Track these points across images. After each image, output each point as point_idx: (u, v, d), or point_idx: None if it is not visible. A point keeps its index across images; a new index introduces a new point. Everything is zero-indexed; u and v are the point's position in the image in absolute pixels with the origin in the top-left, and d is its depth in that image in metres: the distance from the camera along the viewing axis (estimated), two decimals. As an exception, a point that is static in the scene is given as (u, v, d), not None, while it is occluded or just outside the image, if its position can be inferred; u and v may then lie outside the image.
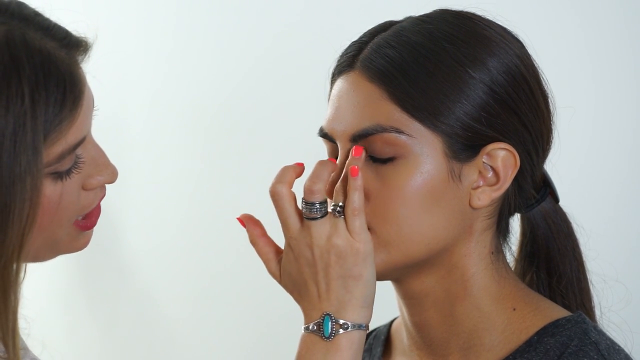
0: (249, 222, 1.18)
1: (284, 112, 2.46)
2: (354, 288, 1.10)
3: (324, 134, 1.17)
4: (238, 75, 2.54)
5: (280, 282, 1.16)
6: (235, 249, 2.54)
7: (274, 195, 1.13)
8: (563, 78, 1.77)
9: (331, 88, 1.19)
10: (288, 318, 2.35)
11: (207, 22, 2.58)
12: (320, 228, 1.11)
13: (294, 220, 1.12)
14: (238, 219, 1.18)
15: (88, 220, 1.11)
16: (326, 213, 1.11)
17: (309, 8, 2.40)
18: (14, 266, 1.02)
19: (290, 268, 1.13)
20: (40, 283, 2.49)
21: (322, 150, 1.20)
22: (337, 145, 1.16)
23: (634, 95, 1.95)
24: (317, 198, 1.10)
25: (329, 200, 1.13)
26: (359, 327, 1.10)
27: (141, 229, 2.74)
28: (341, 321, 1.10)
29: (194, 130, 2.63)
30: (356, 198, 1.10)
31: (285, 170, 1.14)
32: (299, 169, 1.15)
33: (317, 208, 1.11)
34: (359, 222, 1.10)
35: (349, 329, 1.10)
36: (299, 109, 2.40)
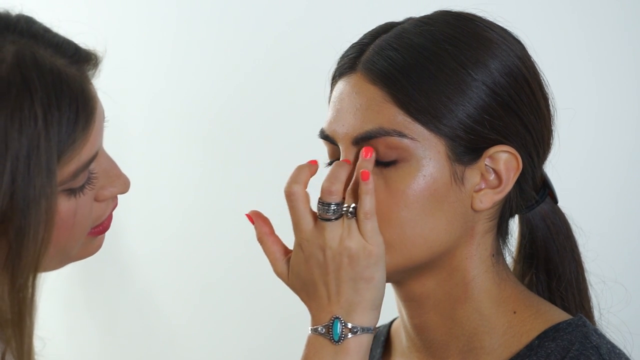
0: (258, 219, 1.17)
1: (284, 114, 2.46)
2: (364, 291, 1.10)
3: (325, 136, 1.17)
4: (238, 77, 2.54)
5: (287, 282, 1.15)
6: (235, 250, 2.54)
7: (290, 196, 1.12)
8: (563, 79, 1.77)
9: (332, 90, 1.18)
10: (289, 320, 2.35)
11: (207, 24, 2.58)
12: (334, 230, 1.10)
13: (307, 221, 1.12)
14: (247, 215, 1.17)
15: (100, 226, 1.10)
16: (341, 215, 1.10)
17: (308, 9, 2.40)
18: (30, 288, 1.01)
19: (300, 269, 1.12)
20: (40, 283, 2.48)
21: (322, 152, 1.20)
22: (338, 148, 1.15)
23: (634, 96, 1.95)
24: (334, 199, 1.10)
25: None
26: (368, 330, 1.10)
27: (141, 230, 2.73)
28: (350, 325, 1.10)
29: (194, 132, 2.63)
30: (368, 201, 1.10)
31: (300, 169, 1.13)
32: (314, 167, 1.14)
33: (333, 209, 1.10)
34: (371, 225, 1.10)
35: (358, 333, 1.10)
36: (300, 111, 2.40)
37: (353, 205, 1.11)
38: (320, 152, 1.20)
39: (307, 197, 1.12)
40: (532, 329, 1.16)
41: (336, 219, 1.10)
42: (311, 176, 1.14)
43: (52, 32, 1.05)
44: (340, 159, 1.14)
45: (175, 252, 2.69)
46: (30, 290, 1.01)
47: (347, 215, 1.11)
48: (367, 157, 1.11)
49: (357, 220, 1.10)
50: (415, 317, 1.19)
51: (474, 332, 1.17)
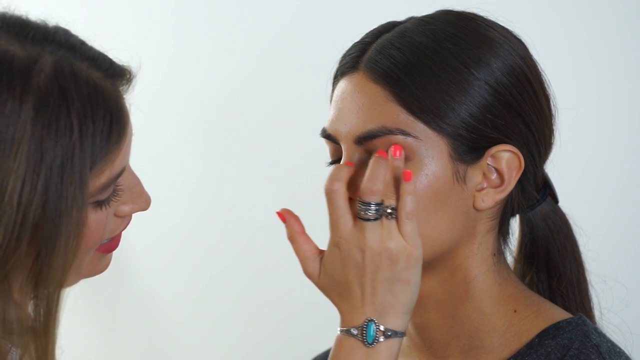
0: (290, 218, 1.14)
1: (284, 112, 2.46)
2: (400, 293, 1.08)
3: (327, 135, 1.16)
4: (238, 75, 2.54)
5: (317, 282, 1.12)
6: (236, 249, 2.54)
7: (331, 193, 1.09)
8: (565, 79, 1.77)
9: (333, 89, 1.18)
10: (289, 317, 2.35)
11: (206, 21, 2.58)
12: (375, 230, 1.08)
13: (346, 220, 1.09)
14: (278, 213, 1.15)
15: (111, 243, 1.10)
16: (381, 215, 1.08)
17: (309, 7, 2.40)
18: (55, 300, 1.01)
19: (334, 269, 1.10)
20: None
21: (322, 150, 1.19)
22: (340, 147, 1.15)
23: (636, 97, 1.95)
24: (375, 199, 1.08)
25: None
26: (400, 334, 1.08)
27: (141, 229, 2.73)
28: (383, 327, 1.08)
29: (194, 130, 2.63)
30: (409, 202, 1.08)
31: (339, 168, 1.11)
32: (351, 168, 1.12)
33: (373, 209, 1.08)
34: (411, 227, 1.08)
35: (391, 337, 1.08)
36: (299, 109, 2.40)
37: (392, 205, 1.09)
38: (320, 150, 1.20)
39: (347, 195, 1.10)
40: (533, 328, 1.16)
41: (375, 219, 1.08)
42: (349, 176, 1.11)
43: (87, 45, 1.05)
44: (342, 159, 1.14)
45: (175, 251, 2.68)
46: (55, 301, 1.01)
47: (387, 216, 1.09)
48: (397, 156, 1.10)
49: (397, 221, 1.08)
50: (416, 317, 1.19)
51: (475, 331, 1.17)
